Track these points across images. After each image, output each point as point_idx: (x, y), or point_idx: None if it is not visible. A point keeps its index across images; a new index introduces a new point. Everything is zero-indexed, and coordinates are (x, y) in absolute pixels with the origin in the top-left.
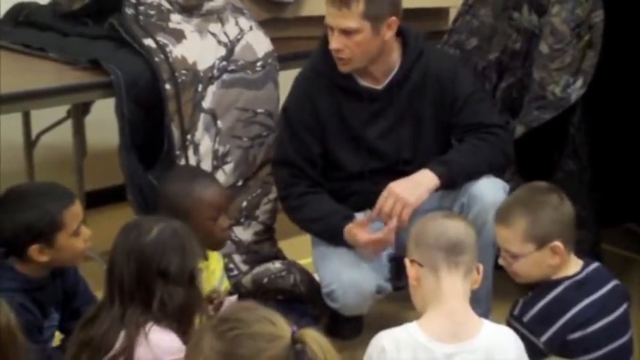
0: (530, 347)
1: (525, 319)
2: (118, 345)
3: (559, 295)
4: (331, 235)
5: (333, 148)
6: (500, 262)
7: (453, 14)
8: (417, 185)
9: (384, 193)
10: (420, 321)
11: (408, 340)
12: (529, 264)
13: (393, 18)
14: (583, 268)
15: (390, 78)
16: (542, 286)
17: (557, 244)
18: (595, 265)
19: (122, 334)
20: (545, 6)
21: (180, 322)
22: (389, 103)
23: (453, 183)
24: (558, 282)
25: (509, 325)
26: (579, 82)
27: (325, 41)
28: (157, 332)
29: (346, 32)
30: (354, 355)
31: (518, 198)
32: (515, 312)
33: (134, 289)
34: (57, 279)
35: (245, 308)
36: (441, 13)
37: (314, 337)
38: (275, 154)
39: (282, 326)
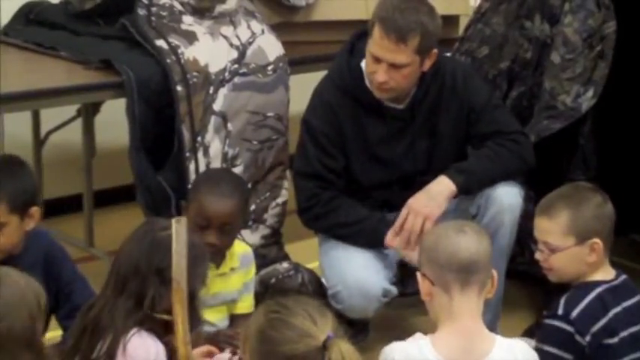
0: (575, 348)
1: (572, 316)
2: (104, 347)
3: (600, 295)
4: (368, 239)
5: (351, 161)
6: (537, 256)
7: (462, 22)
8: (436, 196)
9: (404, 211)
10: (433, 338)
11: (418, 358)
12: (566, 259)
13: (435, 50)
14: (617, 276)
15: (410, 97)
16: (582, 286)
17: (597, 241)
18: (625, 275)
19: (109, 338)
20: (557, 16)
21: (168, 330)
22: (410, 121)
23: (469, 190)
24: (597, 284)
25: (548, 327)
26: (590, 93)
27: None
28: (136, 340)
29: (395, 66)
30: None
31: (562, 193)
32: (560, 311)
33: (129, 278)
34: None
35: (297, 299)
36: (450, 20)
37: (340, 349)
38: (298, 165)
39: (322, 328)
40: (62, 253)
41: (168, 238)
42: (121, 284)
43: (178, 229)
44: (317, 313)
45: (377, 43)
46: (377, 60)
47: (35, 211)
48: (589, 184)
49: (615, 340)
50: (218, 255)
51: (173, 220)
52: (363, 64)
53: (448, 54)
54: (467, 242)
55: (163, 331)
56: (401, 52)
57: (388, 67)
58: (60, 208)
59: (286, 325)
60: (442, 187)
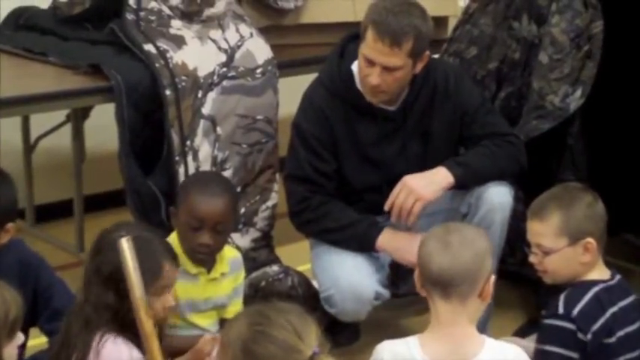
0: (578, 344)
1: (573, 314)
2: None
3: (597, 294)
4: (359, 243)
5: (343, 164)
6: (531, 259)
7: (452, 23)
8: (432, 182)
9: (398, 186)
10: (422, 337)
11: (407, 356)
12: (560, 260)
13: (427, 52)
14: (613, 276)
15: (402, 99)
16: (580, 284)
17: (590, 240)
18: (619, 276)
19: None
20: (544, 16)
21: (125, 331)
22: (402, 123)
23: (464, 185)
24: (594, 283)
25: (549, 327)
26: (578, 93)
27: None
28: (110, 346)
29: (389, 69)
30: None
31: (552, 194)
32: (560, 310)
33: (92, 283)
34: None
35: (281, 309)
36: (440, 22)
37: None
38: (290, 169)
39: (308, 342)
40: (37, 259)
41: (116, 241)
42: (87, 290)
43: (125, 249)
44: (300, 325)
45: (370, 47)
46: (370, 63)
47: (11, 226)
48: (579, 184)
49: (613, 339)
50: (211, 256)
51: (122, 240)
52: (353, 66)
53: (436, 56)
54: (440, 258)
55: (136, 338)
56: (394, 56)
57: (381, 70)
58: (50, 213)
59: (270, 339)
60: (440, 177)
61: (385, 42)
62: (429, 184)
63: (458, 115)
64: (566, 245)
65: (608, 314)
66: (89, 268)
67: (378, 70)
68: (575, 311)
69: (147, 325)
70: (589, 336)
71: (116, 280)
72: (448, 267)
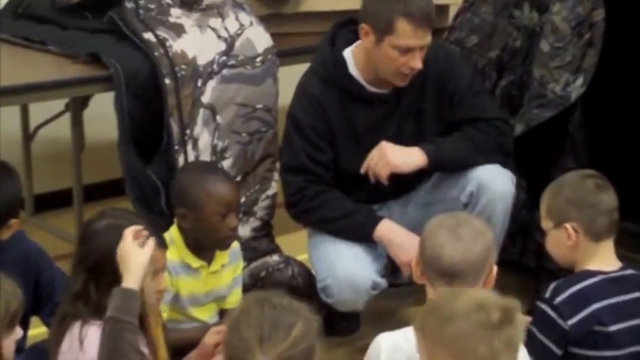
0: (557, 334)
1: (555, 301)
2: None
3: (593, 284)
4: (356, 232)
5: (339, 152)
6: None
7: (452, 11)
8: (406, 154)
9: (375, 149)
10: None
11: (405, 346)
12: (551, 242)
13: None
14: (621, 269)
15: None
16: (577, 274)
17: (567, 225)
18: (632, 270)
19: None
20: (546, 4)
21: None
22: (396, 105)
23: (438, 165)
24: (593, 273)
25: (536, 309)
26: (579, 81)
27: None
28: (92, 334)
29: (424, 47)
30: (350, 351)
31: (558, 179)
32: (547, 295)
33: (74, 270)
34: None
35: (286, 308)
36: (441, 10)
37: None
38: (286, 160)
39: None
40: (38, 251)
41: (102, 227)
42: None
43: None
44: (270, 332)
45: (410, 36)
46: (408, 50)
47: (14, 222)
48: (592, 171)
49: (609, 330)
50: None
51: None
52: (345, 53)
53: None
54: (452, 250)
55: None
56: (430, 34)
57: (420, 52)
58: (50, 202)
59: (240, 331)
60: (415, 153)
61: (424, 26)
62: (402, 155)
63: (447, 95)
64: (552, 227)
65: (591, 309)
66: (74, 258)
67: (417, 53)
68: (558, 300)
69: (155, 329)
70: (570, 322)
71: (97, 270)
72: (460, 260)
